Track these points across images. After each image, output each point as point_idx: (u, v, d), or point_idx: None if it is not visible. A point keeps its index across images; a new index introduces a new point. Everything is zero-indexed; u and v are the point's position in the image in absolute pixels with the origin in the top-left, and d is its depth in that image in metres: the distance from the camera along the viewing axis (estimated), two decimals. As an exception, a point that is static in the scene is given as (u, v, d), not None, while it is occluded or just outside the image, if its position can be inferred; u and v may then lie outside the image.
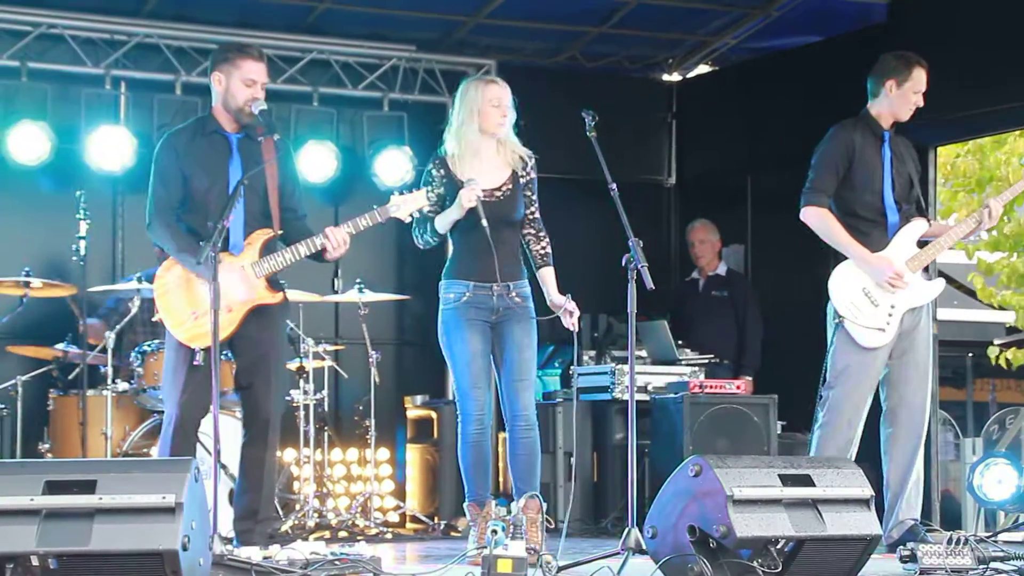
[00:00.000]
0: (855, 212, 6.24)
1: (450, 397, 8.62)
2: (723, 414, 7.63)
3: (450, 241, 6.03)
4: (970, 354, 14.29)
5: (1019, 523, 7.43)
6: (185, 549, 4.22)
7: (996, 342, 12.54)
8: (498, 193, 5.93)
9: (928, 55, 8.29)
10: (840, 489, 4.85)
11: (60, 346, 7.68)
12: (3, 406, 7.51)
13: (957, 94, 8.13)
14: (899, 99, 6.29)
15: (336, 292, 9.01)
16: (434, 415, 8.57)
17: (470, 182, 5.81)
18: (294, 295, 7.13)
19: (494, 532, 4.65)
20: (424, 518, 8.29)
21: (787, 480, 4.79)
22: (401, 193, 5.72)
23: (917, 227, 6.27)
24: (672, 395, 7.81)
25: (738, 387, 7.89)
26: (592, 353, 8.69)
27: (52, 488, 4.29)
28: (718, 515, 4.64)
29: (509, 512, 5.57)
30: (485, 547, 4.71)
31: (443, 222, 5.87)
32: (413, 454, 8.74)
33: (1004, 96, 7.88)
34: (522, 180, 6.00)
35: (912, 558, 5.05)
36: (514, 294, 5.92)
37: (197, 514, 4.38)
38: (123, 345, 7.71)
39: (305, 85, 9.05)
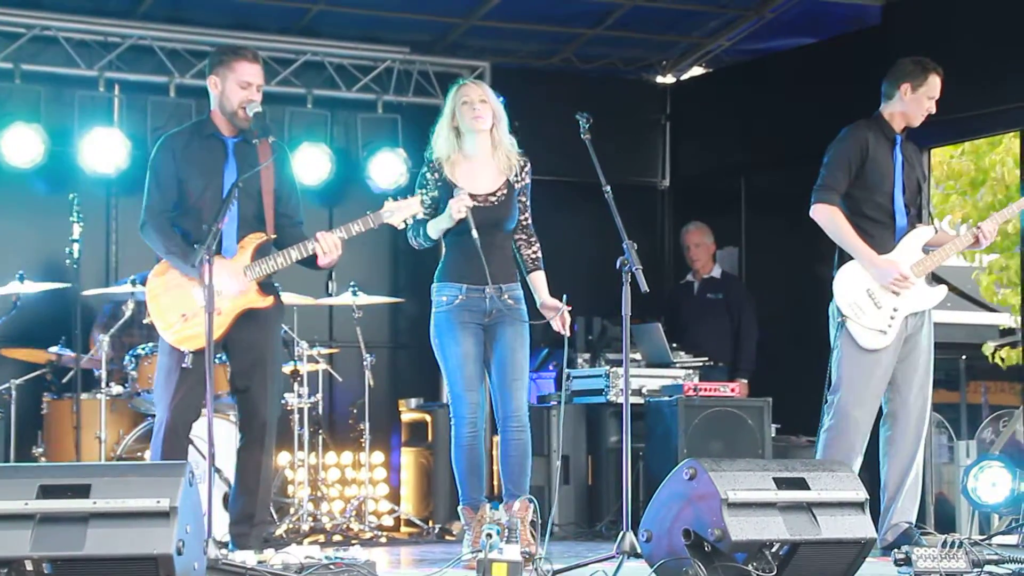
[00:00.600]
0: (864, 213, 6.25)
1: (444, 400, 8.61)
2: (718, 417, 7.63)
3: (443, 243, 6.02)
4: (963, 356, 14.30)
5: (1013, 526, 7.43)
6: (180, 553, 4.21)
7: (992, 343, 12.57)
8: (492, 198, 5.93)
9: (922, 57, 8.34)
10: (834, 492, 4.86)
11: (54, 349, 7.67)
12: (-3, 409, 7.50)
13: (951, 96, 8.09)
14: (913, 103, 6.32)
15: (330, 295, 9.01)
16: (428, 418, 8.57)
17: (459, 192, 5.80)
18: (288, 298, 7.13)
19: (489, 536, 4.65)
20: (419, 522, 8.29)
21: (782, 483, 4.80)
22: (395, 199, 5.72)
23: (924, 233, 6.30)
24: (667, 398, 7.80)
25: (733, 390, 7.90)
26: (587, 356, 8.69)
27: (46, 492, 4.28)
28: (713, 518, 4.64)
29: (503, 516, 5.58)
30: (480, 551, 4.70)
31: (434, 229, 5.88)
32: (407, 457, 8.74)
33: (998, 98, 7.89)
34: (517, 185, 6.00)
35: (907, 561, 5.05)
36: (506, 296, 5.92)
37: (192, 518, 4.37)
38: (117, 348, 7.70)
39: (299, 87, 9.05)
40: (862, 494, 4.91)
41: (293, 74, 9.01)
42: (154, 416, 6.39)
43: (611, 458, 8.09)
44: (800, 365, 7.12)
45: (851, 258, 6.22)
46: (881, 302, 6.16)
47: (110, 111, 8.62)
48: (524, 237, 6.05)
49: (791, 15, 9.02)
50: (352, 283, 8.12)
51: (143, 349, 7.34)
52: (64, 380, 7.60)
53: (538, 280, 6.02)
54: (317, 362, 8.09)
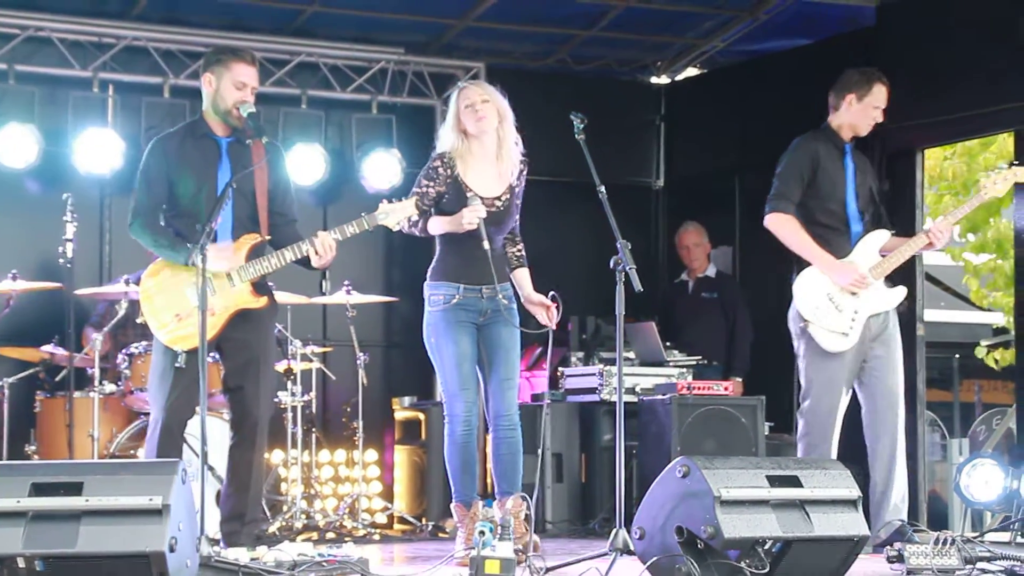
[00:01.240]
0: (819, 221, 6.36)
1: (438, 399, 8.62)
2: (711, 415, 7.64)
3: (436, 241, 6.01)
4: (956, 355, 14.34)
5: (1005, 523, 7.44)
6: (172, 551, 4.22)
7: (985, 343, 12.58)
8: (498, 203, 5.95)
9: (916, 58, 8.36)
10: (827, 490, 4.87)
11: (47, 348, 7.67)
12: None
13: (944, 97, 8.16)
14: (858, 113, 6.42)
15: (324, 294, 9.01)
16: (422, 416, 8.57)
17: (473, 201, 5.80)
18: (282, 297, 7.13)
19: (482, 533, 4.66)
20: (412, 519, 8.29)
21: (775, 481, 4.81)
22: (390, 200, 5.72)
23: (880, 236, 6.40)
24: (660, 396, 7.81)
25: (726, 388, 7.90)
26: (580, 354, 8.70)
27: (39, 490, 4.29)
28: (706, 516, 4.65)
29: (496, 513, 5.59)
30: (473, 548, 4.71)
31: (436, 227, 5.86)
32: (401, 455, 8.74)
33: (991, 99, 7.90)
34: (516, 189, 6.02)
35: (899, 558, 5.06)
36: (500, 296, 5.94)
37: (184, 516, 4.38)
38: (111, 347, 7.70)
39: (293, 88, 9.05)
40: (855, 492, 4.93)
41: (287, 75, 9.00)
42: (147, 414, 6.40)
43: (605, 456, 8.10)
44: (793, 364, 7.13)
45: (809, 264, 6.29)
46: (841, 305, 6.26)
47: (104, 112, 8.62)
48: (510, 237, 6.07)
49: (785, 16, 9.02)
50: (346, 282, 8.12)
51: (136, 348, 7.34)
52: (57, 378, 7.60)
53: (523, 276, 6.05)
54: (311, 360, 8.10)
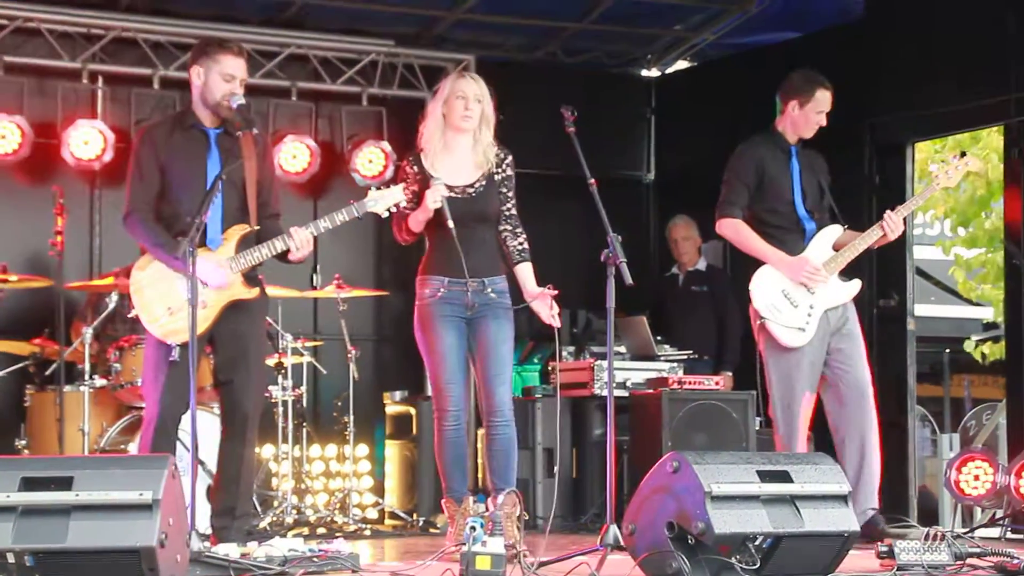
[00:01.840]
0: (770, 223, 6.43)
1: (429, 393, 8.60)
2: (702, 410, 7.63)
3: (425, 238, 6.01)
4: (947, 350, 14.35)
5: (996, 519, 7.45)
6: (162, 546, 4.21)
7: (974, 337, 12.61)
8: (470, 190, 5.93)
9: (906, 50, 8.37)
10: (818, 485, 4.87)
11: (37, 341, 7.64)
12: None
13: (934, 91, 8.16)
14: (801, 118, 6.48)
15: (315, 287, 9.00)
16: (413, 411, 8.56)
17: (436, 181, 5.81)
18: (273, 290, 7.11)
19: (472, 528, 4.65)
20: (403, 514, 8.28)
21: (765, 476, 4.80)
22: (378, 188, 5.73)
23: (832, 232, 6.45)
24: (651, 391, 7.81)
25: (717, 383, 7.90)
26: (571, 349, 8.69)
27: (28, 484, 4.27)
28: (696, 511, 4.65)
29: (487, 508, 5.58)
30: (464, 543, 4.70)
31: (415, 221, 5.88)
32: (392, 450, 8.73)
33: (981, 92, 7.91)
34: (497, 177, 5.99)
35: (889, 554, 5.06)
36: (489, 290, 5.92)
37: (174, 511, 4.36)
38: (101, 341, 7.67)
39: (283, 80, 9.03)
40: (845, 487, 4.93)
41: (277, 67, 8.98)
42: (138, 408, 6.39)
43: (595, 451, 8.10)
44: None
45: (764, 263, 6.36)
46: (797, 300, 6.31)
47: (93, 103, 8.61)
48: (509, 228, 6.04)
49: (776, 9, 9.03)
50: (337, 276, 8.10)
51: (127, 341, 7.32)
52: (47, 372, 7.57)
53: (524, 272, 6.02)
54: (301, 355, 8.09)
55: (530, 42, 9.67)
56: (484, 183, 5.96)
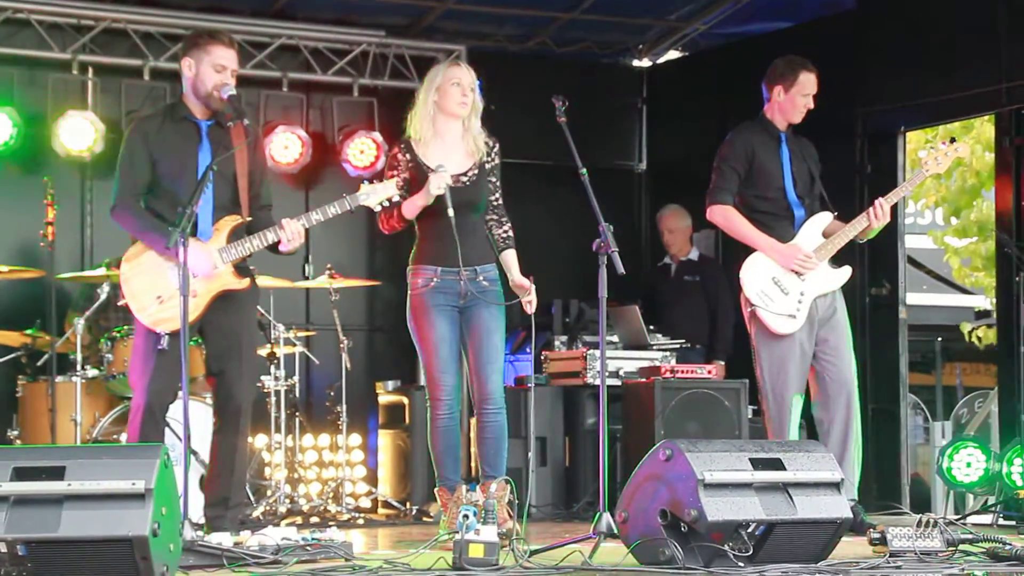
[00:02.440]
0: (761, 209, 6.44)
1: (421, 383, 8.61)
2: (694, 399, 7.64)
3: (416, 226, 6.01)
4: (939, 338, 14.39)
5: (988, 505, 7.48)
6: (155, 535, 4.21)
7: (968, 324, 12.62)
8: (464, 178, 5.94)
9: (897, 40, 8.37)
10: (810, 473, 4.88)
11: (29, 332, 7.63)
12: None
13: (926, 79, 8.17)
14: (787, 103, 6.49)
15: (307, 278, 8.99)
16: (406, 401, 8.56)
17: (439, 168, 5.81)
18: (265, 281, 7.11)
19: (465, 517, 4.65)
20: (396, 503, 8.29)
21: (758, 464, 4.81)
22: (371, 182, 5.73)
23: (822, 219, 6.46)
24: (643, 380, 7.82)
25: (709, 372, 7.91)
26: (564, 338, 8.69)
27: (20, 474, 4.27)
28: (689, 499, 4.66)
29: (479, 497, 5.58)
30: (457, 532, 4.71)
31: (410, 208, 5.87)
32: (385, 440, 8.73)
33: (973, 81, 7.92)
34: (487, 166, 6.01)
35: (882, 541, 5.07)
36: (481, 278, 5.93)
37: (167, 500, 4.36)
38: (93, 331, 7.66)
39: (274, 70, 9.01)
40: (837, 474, 4.94)
41: (268, 57, 8.97)
42: (130, 399, 6.37)
43: (588, 440, 8.11)
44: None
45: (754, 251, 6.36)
46: (787, 287, 6.33)
47: (84, 94, 8.58)
48: (495, 217, 6.06)
49: (767, -1, 9.03)
50: (329, 266, 8.10)
51: (118, 331, 7.31)
52: (39, 363, 7.56)
53: (510, 258, 6.04)
54: (294, 345, 8.08)
55: (521, 32, 9.66)
56: (476, 172, 5.97)
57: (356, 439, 8.60)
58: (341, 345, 8.03)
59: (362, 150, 9.09)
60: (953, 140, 6.55)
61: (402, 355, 8.81)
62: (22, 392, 7.59)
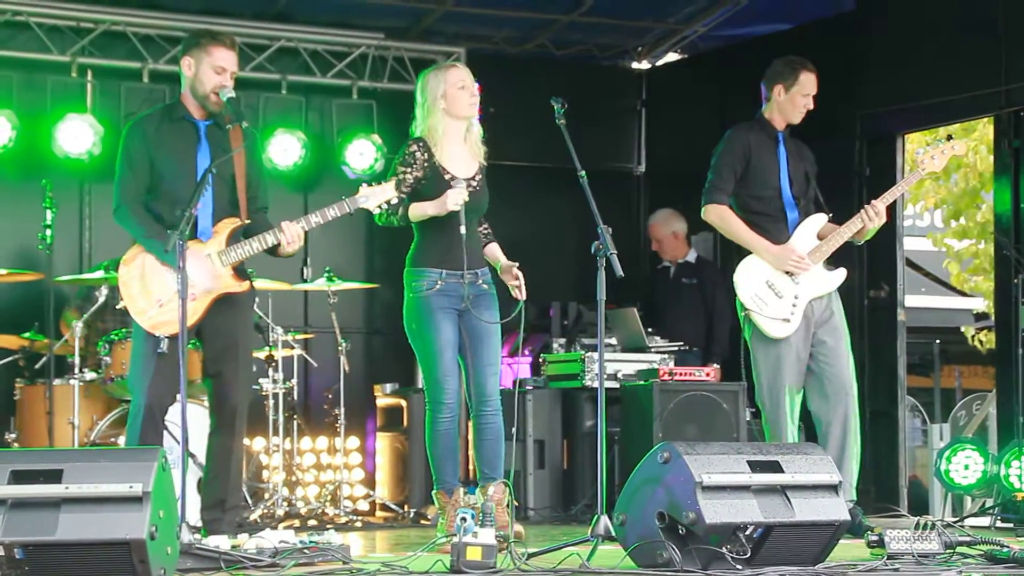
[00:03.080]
0: (756, 210, 6.43)
1: (420, 385, 8.61)
2: (692, 401, 7.64)
3: (414, 228, 5.99)
4: (937, 340, 14.38)
5: (986, 508, 7.48)
6: (152, 538, 4.20)
7: (971, 327, 12.61)
8: (473, 183, 5.94)
9: (896, 42, 8.37)
10: (808, 475, 4.87)
11: (27, 335, 7.63)
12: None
13: (925, 81, 8.17)
14: (787, 103, 6.47)
15: (305, 280, 8.99)
16: (404, 403, 8.56)
17: (458, 183, 5.79)
18: (263, 283, 7.11)
19: (463, 520, 4.65)
20: (394, 506, 8.29)
21: (756, 466, 4.81)
22: (370, 184, 5.72)
23: (816, 221, 6.45)
24: (642, 382, 7.82)
25: (707, 374, 7.91)
26: (562, 341, 8.69)
27: (18, 477, 4.27)
28: (687, 501, 4.66)
29: (478, 500, 5.58)
30: (455, 535, 4.71)
31: (417, 213, 5.83)
32: (383, 442, 8.73)
33: (972, 84, 7.92)
34: (484, 168, 6.02)
35: (880, 543, 5.07)
36: (481, 281, 5.94)
37: (165, 503, 4.36)
38: (91, 334, 7.66)
39: (273, 73, 9.02)
40: (836, 477, 4.93)
41: (267, 60, 8.97)
42: (128, 402, 6.38)
43: (586, 442, 8.10)
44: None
45: (749, 253, 6.36)
46: (782, 291, 6.32)
47: (83, 97, 8.58)
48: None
49: (766, 1, 9.03)
50: (327, 268, 8.10)
51: (116, 335, 7.31)
52: (37, 366, 7.56)
53: (495, 250, 6.07)
54: (292, 347, 8.08)
55: (520, 34, 9.66)
56: (481, 176, 5.98)
57: (354, 442, 8.60)
58: (339, 348, 8.03)
59: (361, 152, 9.08)
60: (949, 138, 6.54)
61: (400, 358, 8.81)
62: (20, 395, 7.59)
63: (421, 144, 5.92)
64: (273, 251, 5.62)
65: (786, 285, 6.33)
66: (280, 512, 7.63)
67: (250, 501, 7.59)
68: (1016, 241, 7.63)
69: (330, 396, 8.41)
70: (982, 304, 12.89)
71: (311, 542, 4.97)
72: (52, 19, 8.51)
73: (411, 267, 5.96)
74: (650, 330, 8.57)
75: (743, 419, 7.71)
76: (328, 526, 7.32)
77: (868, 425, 7.71)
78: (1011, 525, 6.89)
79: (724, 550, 4.67)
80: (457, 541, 4.63)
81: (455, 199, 5.75)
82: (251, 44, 8.82)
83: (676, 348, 8.51)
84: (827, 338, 6.38)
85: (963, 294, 13.59)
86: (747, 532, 4.74)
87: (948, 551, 5.06)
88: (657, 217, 9.15)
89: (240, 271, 5.64)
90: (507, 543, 4.96)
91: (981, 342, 12.54)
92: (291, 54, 9.09)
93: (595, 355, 7.92)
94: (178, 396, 5.22)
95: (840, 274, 6.45)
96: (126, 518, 4.19)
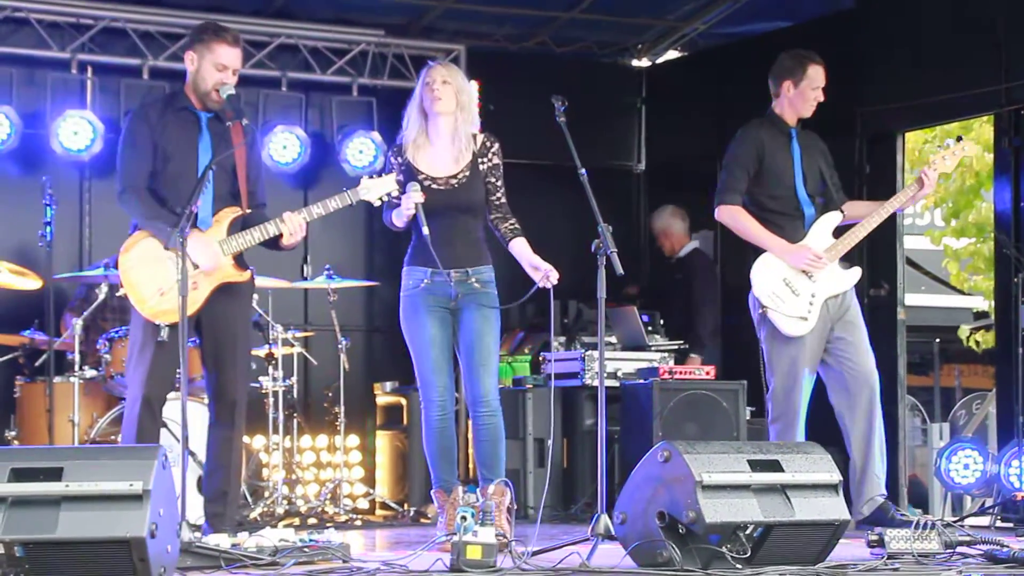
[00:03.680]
0: (770, 208, 6.40)
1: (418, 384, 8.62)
2: (693, 400, 7.64)
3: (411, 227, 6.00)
4: (937, 340, 14.36)
5: (985, 507, 7.48)
6: (152, 536, 4.20)
7: (967, 327, 12.60)
8: (453, 180, 5.92)
9: (895, 40, 8.37)
10: (808, 474, 4.87)
11: (26, 333, 7.62)
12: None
13: (924, 80, 8.16)
14: (797, 98, 6.45)
15: (305, 278, 8.99)
16: (404, 401, 8.56)
17: (411, 186, 5.79)
18: (263, 281, 7.10)
19: (463, 519, 4.65)
20: (394, 505, 8.29)
21: (756, 465, 4.81)
22: (371, 177, 5.73)
23: (832, 218, 6.44)
24: (642, 381, 7.81)
25: (707, 373, 7.91)
26: (562, 339, 8.69)
27: (18, 475, 4.27)
28: (687, 501, 4.66)
29: (477, 499, 5.58)
30: (454, 534, 4.70)
31: (396, 218, 5.87)
32: (383, 441, 8.73)
33: (971, 82, 7.90)
34: (482, 167, 5.97)
35: (879, 543, 5.07)
36: (473, 280, 5.91)
37: (165, 501, 4.36)
38: (90, 332, 7.66)
39: (273, 70, 9.01)
40: (836, 476, 4.93)
41: (267, 57, 8.96)
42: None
43: (586, 441, 8.10)
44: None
45: (764, 251, 6.34)
46: (798, 289, 6.30)
47: (83, 93, 8.57)
48: (500, 215, 6.02)
49: (766, -1, 9.03)
50: (327, 266, 8.09)
51: (116, 332, 7.31)
52: (37, 363, 7.56)
53: (521, 246, 5.97)
54: (292, 345, 8.08)
55: (520, 32, 9.66)
56: (468, 173, 5.95)
57: (354, 440, 8.60)
58: (339, 346, 8.02)
59: (361, 150, 9.08)
60: (960, 138, 6.53)
61: (400, 356, 8.70)
62: (20, 393, 7.59)
63: (396, 149, 5.98)
64: (274, 244, 5.62)
65: (803, 283, 6.30)
66: (280, 510, 7.63)
67: (250, 499, 7.58)
68: (1016, 240, 7.62)
69: (330, 394, 8.41)
70: (982, 303, 12.89)
71: (311, 540, 4.97)
72: (52, 15, 8.50)
73: (404, 266, 5.99)
74: (649, 328, 8.57)
75: (743, 418, 7.71)
76: (328, 524, 7.32)
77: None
78: (1011, 524, 6.89)
79: (724, 549, 4.67)
80: (457, 540, 4.63)
81: (406, 203, 5.77)
82: (251, 41, 8.80)
83: (676, 347, 8.51)
84: (845, 334, 6.37)
85: (963, 292, 13.59)
86: (747, 531, 4.74)
87: (948, 551, 5.06)
88: (654, 213, 9.18)
89: (240, 261, 5.63)
90: (507, 542, 4.96)
91: (977, 343, 12.53)
92: (291, 51, 9.08)
93: (595, 353, 7.93)
94: (176, 386, 5.20)
95: (855, 272, 6.44)
96: (126, 516, 4.19)
